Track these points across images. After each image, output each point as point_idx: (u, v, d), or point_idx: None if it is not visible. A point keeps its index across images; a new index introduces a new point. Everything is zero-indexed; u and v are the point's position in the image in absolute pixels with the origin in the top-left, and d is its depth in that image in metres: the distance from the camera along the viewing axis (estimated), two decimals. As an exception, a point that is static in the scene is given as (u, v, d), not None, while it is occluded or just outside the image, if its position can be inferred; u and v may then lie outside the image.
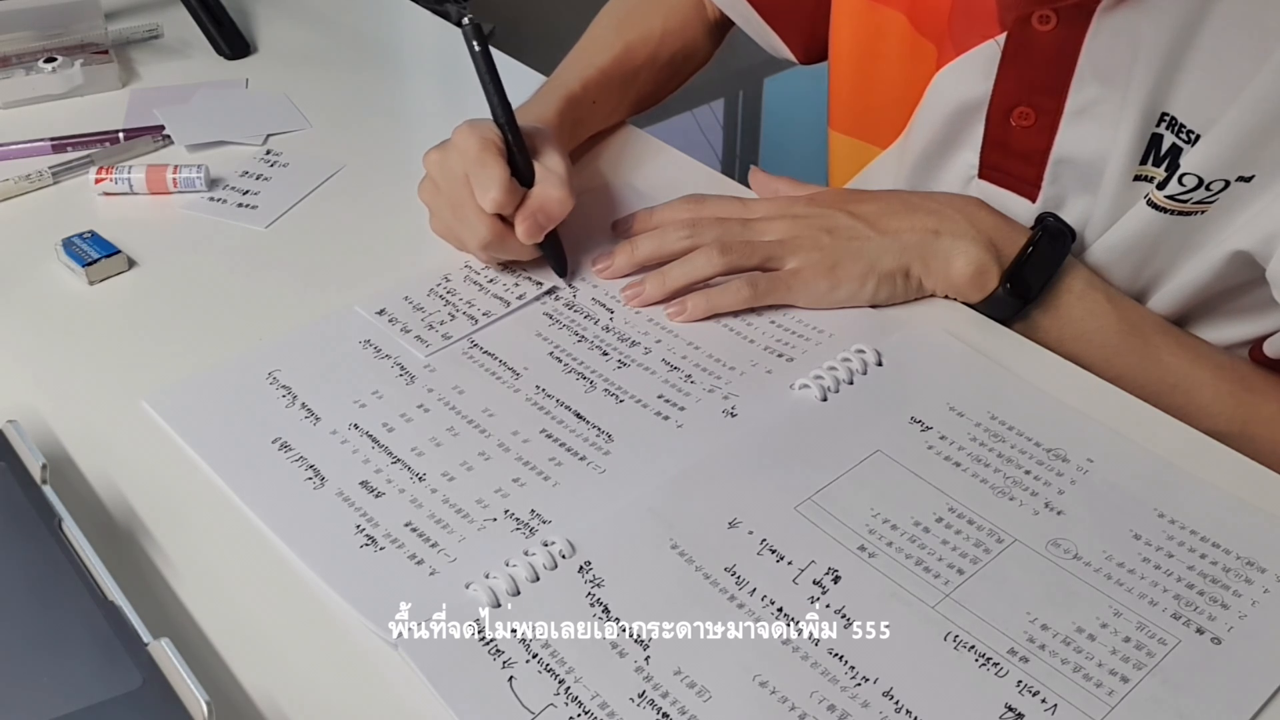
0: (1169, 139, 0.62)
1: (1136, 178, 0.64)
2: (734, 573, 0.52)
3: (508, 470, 0.57)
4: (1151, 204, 0.62)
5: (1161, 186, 0.61)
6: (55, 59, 0.88)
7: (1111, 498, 0.55)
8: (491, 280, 0.69)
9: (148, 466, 0.57)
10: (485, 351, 0.64)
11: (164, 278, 0.71)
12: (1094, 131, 0.64)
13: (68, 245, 0.70)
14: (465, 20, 0.65)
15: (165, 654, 0.45)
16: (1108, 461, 0.56)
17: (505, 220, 0.65)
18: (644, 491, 0.55)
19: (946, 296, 0.67)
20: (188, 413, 0.60)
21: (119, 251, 0.70)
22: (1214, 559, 0.52)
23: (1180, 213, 0.62)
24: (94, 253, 0.70)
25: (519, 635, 0.49)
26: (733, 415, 0.60)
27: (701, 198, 0.71)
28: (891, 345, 0.63)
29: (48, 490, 0.52)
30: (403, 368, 0.63)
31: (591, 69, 0.78)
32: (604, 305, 0.67)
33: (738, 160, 2.17)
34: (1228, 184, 0.59)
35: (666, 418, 0.60)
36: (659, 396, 0.61)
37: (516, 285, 0.69)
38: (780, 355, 0.63)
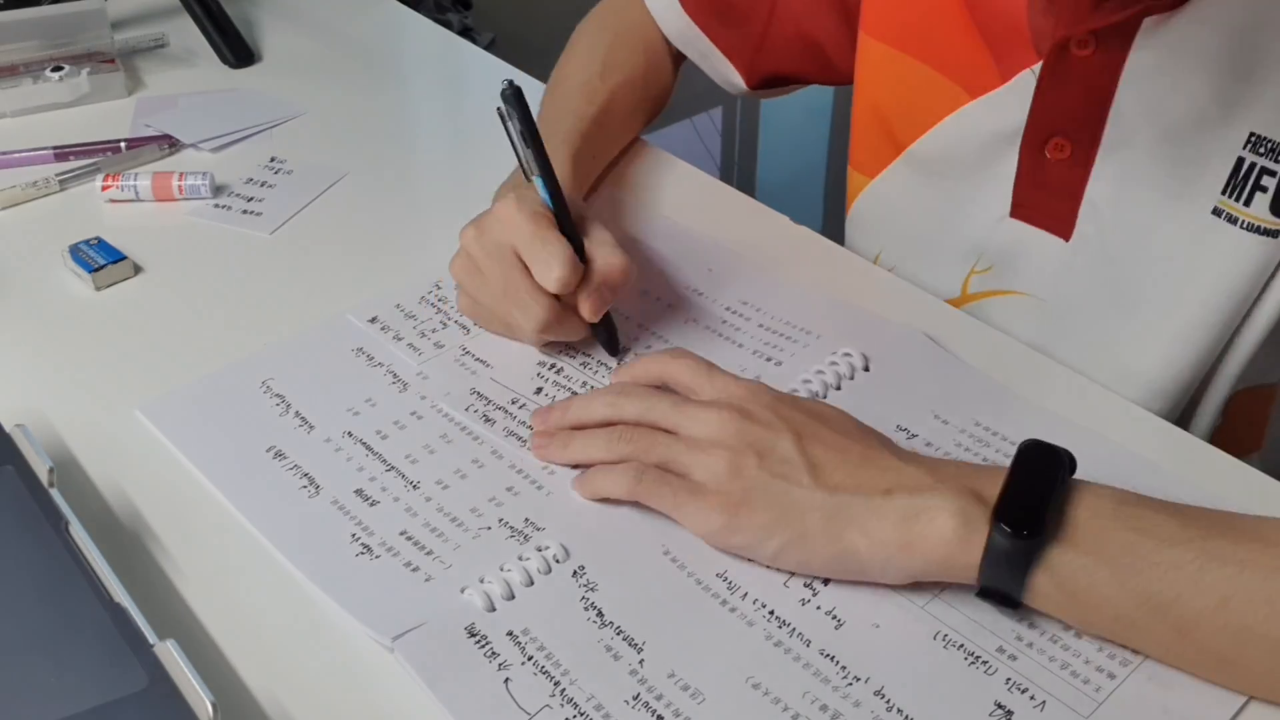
0: (1249, 160, 0.58)
1: (1215, 210, 0.60)
2: (725, 577, 0.52)
3: (501, 478, 0.57)
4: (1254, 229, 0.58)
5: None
6: (62, 68, 0.89)
7: None
8: None
9: (154, 470, 0.58)
10: (477, 359, 0.64)
11: (170, 283, 0.71)
12: (1139, 163, 0.61)
13: (74, 251, 0.71)
14: (506, 86, 0.58)
15: (171, 655, 0.45)
16: (1091, 464, 0.57)
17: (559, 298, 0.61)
18: None
19: (919, 584, 0.51)
20: (182, 422, 0.60)
21: (125, 258, 0.71)
22: None
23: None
24: (101, 259, 0.71)
25: (514, 638, 0.50)
26: None
27: (634, 384, 0.59)
28: (878, 349, 0.64)
29: (55, 493, 0.52)
30: (395, 375, 0.63)
31: (586, 121, 0.74)
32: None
33: (736, 167, 2.18)
34: None
35: None
36: None
37: None
38: (769, 359, 0.64)
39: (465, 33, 1.72)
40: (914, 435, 0.59)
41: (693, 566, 0.53)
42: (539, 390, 0.63)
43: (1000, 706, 0.47)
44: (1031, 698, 0.47)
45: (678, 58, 0.85)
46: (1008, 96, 0.65)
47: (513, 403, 0.62)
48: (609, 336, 0.65)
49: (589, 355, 0.65)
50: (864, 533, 0.50)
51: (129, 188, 0.78)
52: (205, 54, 0.96)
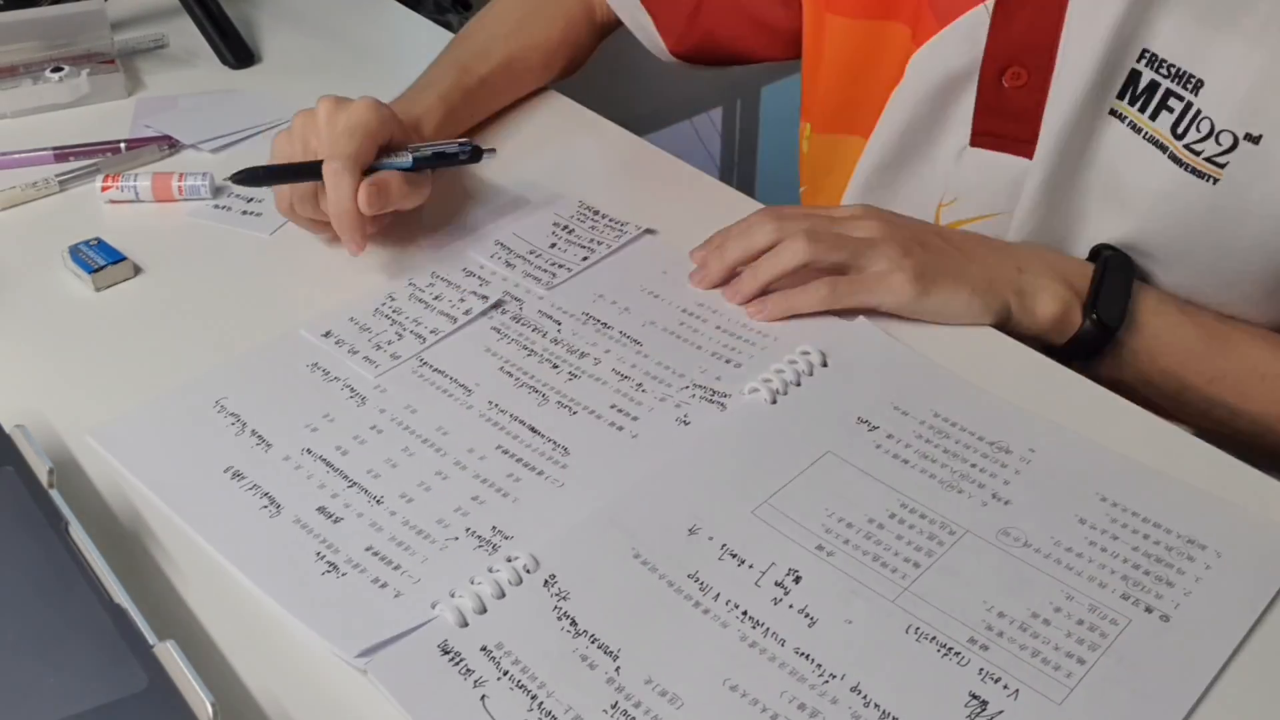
0: (1148, 75, 0.63)
1: (1111, 111, 0.65)
2: (697, 579, 0.52)
3: (466, 488, 0.57)
4: (1173, 158, 0.63)
5: (1180, 136, 0.62)
6: (62, 68, 0.89)
7: (1055, 485, 0.56)
8: (437, 298, 0.69)
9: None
10: (435, 369, 0.64)
11: (170, 284, 0.71)
12: (1075, 79, 0.65)
13: (74, 252, 0.71)
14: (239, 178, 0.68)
15: (171, 656, 0.45)
16: (1049, 450, 0.58)
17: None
18: (604, 503, 0.56)
19: (1024, 336, 0.65)
20: (136, 447, 0.59)
21: (125, 258, 0.71)
22: (1156, 539, 0.54)
23: (1196, 171, 0.62)
24: (100, 259, 0.71)
25: (488, 653, 0.49)
26: (685, 423, 0.60)
27: (781, 208, 0.70)
28: (835, 345, 0.64)
29: (55, 494, 0.53)
30: (353, 389, 0.63)
31: (473, 78, 0.80)
32: (551, 317, 0.67)
33: (735, 168, 2.18)
34: (1236, 142, 0.61)
35: (621, 428, 0.60)
36: (612, 407, 0.61)
37: (462, 301, 0.68)
38: (728, 361, 0.64)
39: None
40: (875, 427, 0.59)
41: (664, 569, 0.53)
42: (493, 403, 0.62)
43: (975, 697, 0.47)
44: (1005, 687, 0.48)
45: (602, 29, 0.90)
46: (955, 35, 0.69)
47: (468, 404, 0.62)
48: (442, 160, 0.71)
49: (542, 357, 0.64)
50: (1015, 298, 0.65)
51: (129, 188, 0.78)
52: (205, 54, 0.96)
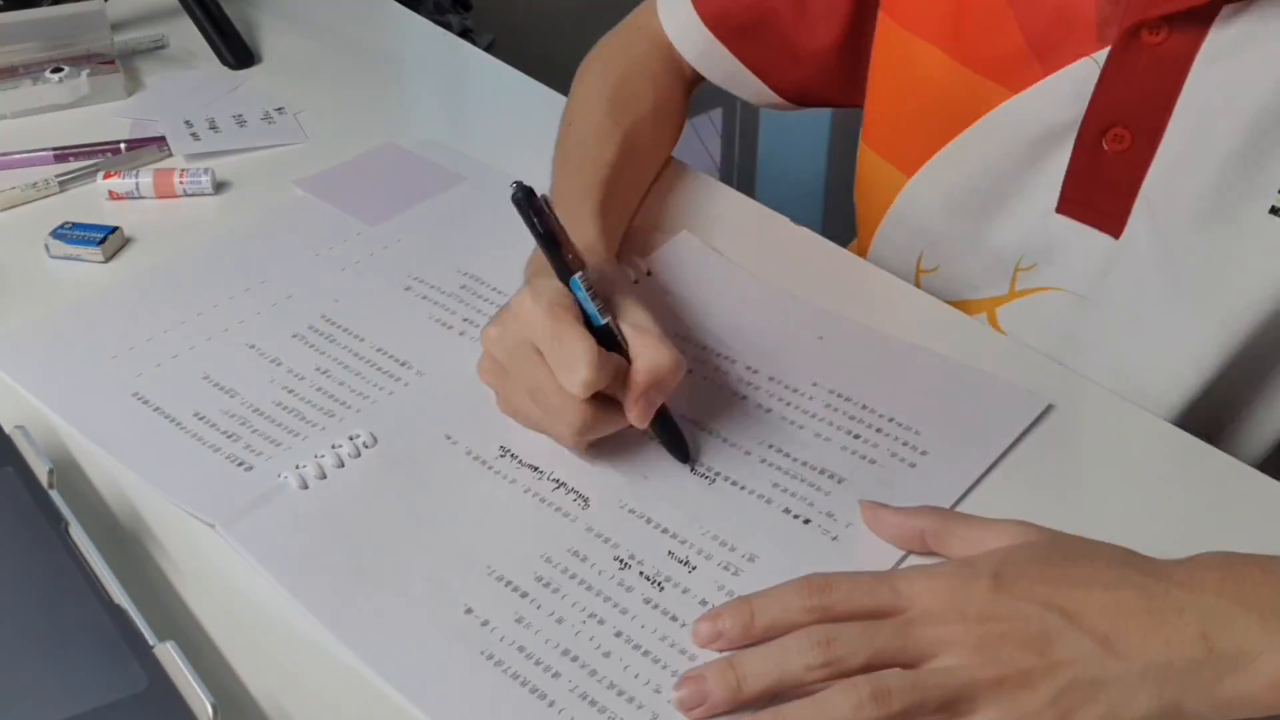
0: None
1: (1274, 210, 0.57)
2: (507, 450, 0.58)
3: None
4: None
5: None
6: (62, 69, 0.89)
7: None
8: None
9: (153, 472, 0.58)
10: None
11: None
12: (1199, 156, 0.58)
13: (65, 237, 0.72)
14: (514, 188, 0.53)
15: (171, 657, 0.45)
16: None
17: (600, 394, 0.54)
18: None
19: None
20: (24, 356, 0.65)
21: (117, 228, 0.73)
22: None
23: None
24: (95, 234, 0.72)
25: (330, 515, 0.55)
26: None
27: (826, 583, 0.47)
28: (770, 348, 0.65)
29: (54, 495, 0.53)
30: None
31: (605, 168, 0.69)
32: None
33: (736, 169, 2.18)
34: None
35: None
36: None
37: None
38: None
39: (465, 34, 1.72)
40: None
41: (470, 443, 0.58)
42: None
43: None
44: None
45: (689, 85, 0.82)
46: (1060, 87, 0.62)
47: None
48: (674, 440, 0.57)
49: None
50: (1207, 697, 0.43)
51: (130, 184, 0.78)
52: (205, 55, 0.96)
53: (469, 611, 0.51)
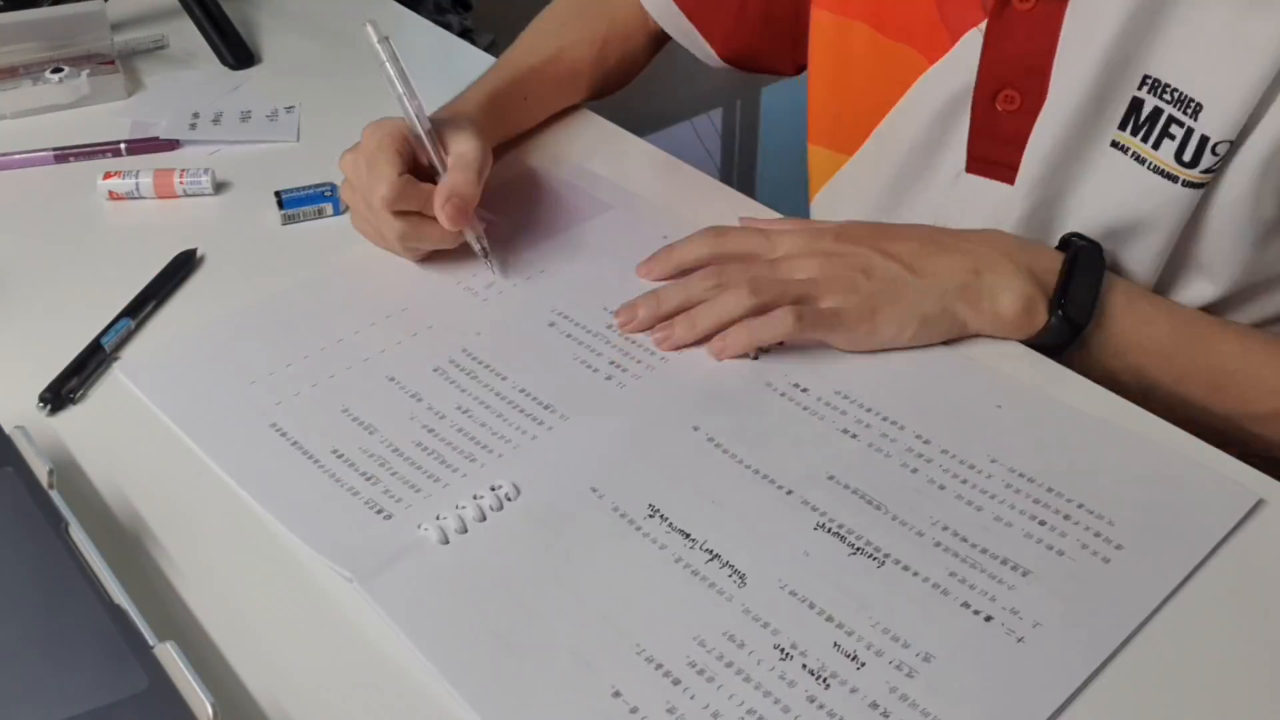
0: (1151, 102, 0.62)
1: (1114, 144, 0.64)
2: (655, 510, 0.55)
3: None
4: (1187, 184, 0.62)
5: (1188, 163, 0.62)
6: (62, 69, 0.89)
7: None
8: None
9: (153, 471, 0.58)
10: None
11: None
12: (1066, 106, 0.64)
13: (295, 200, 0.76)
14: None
15: (171, 657, 0.45)
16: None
17: (423, 215, 0.68)
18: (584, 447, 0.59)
19: (992, 336, 0.64)
20: (160, 378, 0.63)
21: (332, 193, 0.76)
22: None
23: (1190, 184, 0.62)
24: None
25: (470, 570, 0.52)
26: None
27: (723, 230, 0.68)
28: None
29: (55, 495, 0.53)
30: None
31: (523, 67, 0.80)
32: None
33: (735, 169, 2.18)
34: (1232, 148, 0.61)
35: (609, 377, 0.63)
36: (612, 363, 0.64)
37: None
38: None
39: (465, 34, 1.72)
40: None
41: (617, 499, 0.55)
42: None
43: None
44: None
45: (656, 36, 0.87)
46: (959, 56, 0.68)
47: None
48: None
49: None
50: (970, 306, 0.63)
51: (130, 184, 0.78)
52: (205, 55, 0.96)
53: (617, 695, 0.47)
